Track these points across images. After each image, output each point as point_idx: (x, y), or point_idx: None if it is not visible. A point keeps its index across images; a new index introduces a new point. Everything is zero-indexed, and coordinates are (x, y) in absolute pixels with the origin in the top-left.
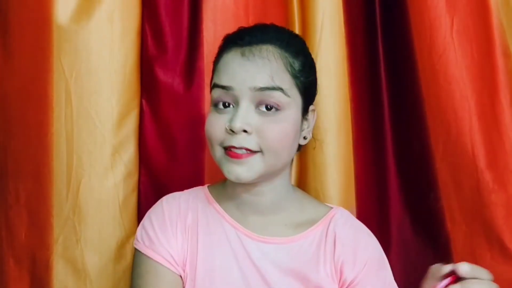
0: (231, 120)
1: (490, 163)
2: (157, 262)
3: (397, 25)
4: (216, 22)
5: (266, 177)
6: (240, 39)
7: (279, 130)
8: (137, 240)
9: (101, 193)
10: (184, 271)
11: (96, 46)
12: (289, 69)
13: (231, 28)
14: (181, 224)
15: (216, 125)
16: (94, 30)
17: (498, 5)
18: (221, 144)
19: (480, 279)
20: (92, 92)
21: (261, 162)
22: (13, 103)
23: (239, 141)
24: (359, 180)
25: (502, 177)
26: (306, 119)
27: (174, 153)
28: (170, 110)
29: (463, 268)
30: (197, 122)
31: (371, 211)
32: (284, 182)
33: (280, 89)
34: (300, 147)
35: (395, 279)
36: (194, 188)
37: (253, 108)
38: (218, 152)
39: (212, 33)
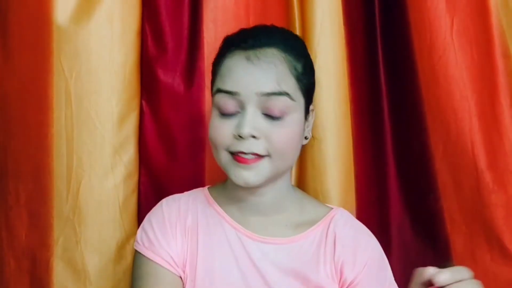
0: (239, 126)
1: (490, 164)
2: (157, 263)
3: (397, 26)
4: (217, 23)
5: (272, 179)
6: (243, 42)
7: (286, 134)
8: (137, 242)
9: (101, 194)
10: (184, 272)
11: (96, 47)
12: (293, 73)
13: (231, 29)
14: (181, 226)
15: (221, 130)
16: (94, 30)
17: (498, 6)
18: (227, 149)
19: (461, 280)
20: (92, 92)
21: (268, 166)
22: (13, 103)
23: (247, 146)
24: (359, 181)
25: (502, 177)
26: (307, 119)
27: (174, 154)
28: (170, 111)
29: (442, 278)
30: (198, 123)
31: (371, 211)
32: (285, 183)
33: (286, 94)
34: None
35: (395, 279)
36: (194, 189)
37: (259, 113)
38: (225, 157)
39: (213, 34)
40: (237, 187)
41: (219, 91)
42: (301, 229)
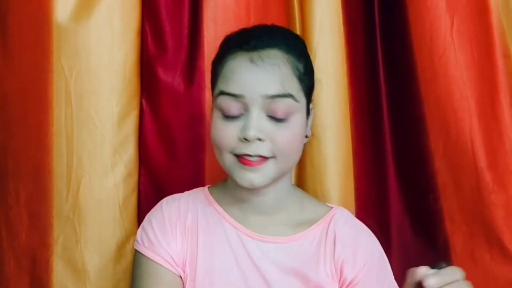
0: (244, 129)
1: (490, 164)
2: (157, 263)
3: (397, 25)
4: (217, 22)
5: (276, 179)
6: (245, 43)
7: (291, 135)
8: (137, 242)
9: (101, 193)
10: (184, 271)
11: (96, 46)
12: (296, 74)
13: (232, 28)
14: (181, 226)
15: (226, 133)
16: (94, 29)
17: (498, 5)
18: (232, 151)
19: (451, 282)
20: (92, 91)
21: (273, 167)
22: (13, 103)
23: (253, 148)
24: (359, 181)
25: (502, 177)
26: (307, 118)
27: (174, 153)
28: (171, 110)
29: (431, 282)
30: (198, 122)
31: (371, 211)
32: (287, 182)
33: (291, 95)
34: None
35: (395, 279)
36: (194, 189)
37: (264, 115)
38: (229, 160)
39: (213, 33)
40: (239, 187)
41: (223, 93)
42: (301, 228)
